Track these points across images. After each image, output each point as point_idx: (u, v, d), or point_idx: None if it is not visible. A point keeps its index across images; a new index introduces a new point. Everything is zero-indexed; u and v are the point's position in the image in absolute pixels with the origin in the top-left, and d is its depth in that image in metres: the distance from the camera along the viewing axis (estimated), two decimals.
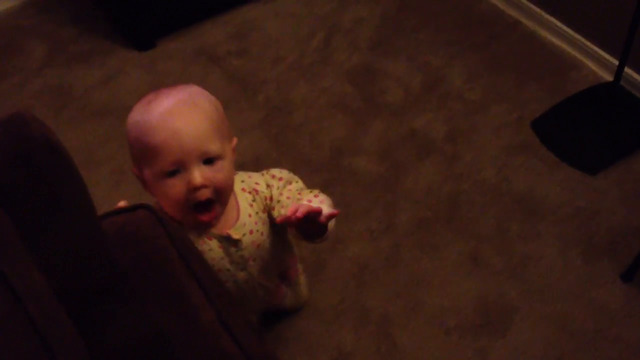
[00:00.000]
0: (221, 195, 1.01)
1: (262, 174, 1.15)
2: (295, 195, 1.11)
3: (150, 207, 0.76)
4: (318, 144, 1.76)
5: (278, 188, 1.12)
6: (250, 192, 1.10)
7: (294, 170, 1.67)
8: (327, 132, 1.79)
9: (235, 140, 1.08)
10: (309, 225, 1.00)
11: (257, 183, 1.11)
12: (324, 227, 1.04)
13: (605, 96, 1.82)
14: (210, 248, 1.06)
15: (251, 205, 1.10)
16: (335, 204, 1.60)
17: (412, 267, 1.51)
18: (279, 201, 1.11)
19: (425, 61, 1.98)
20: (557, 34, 1.98)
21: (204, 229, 1.05)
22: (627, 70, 1.76)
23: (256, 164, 1.70)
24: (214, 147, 0.96)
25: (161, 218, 0.73)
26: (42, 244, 0.58)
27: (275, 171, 1.16)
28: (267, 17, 2.12)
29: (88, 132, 1.78)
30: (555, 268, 1.50)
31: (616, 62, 1.75)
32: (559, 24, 1.97)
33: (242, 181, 1.12)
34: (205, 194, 0.97)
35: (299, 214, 0.94)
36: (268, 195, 1.11)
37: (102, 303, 0.63)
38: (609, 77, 1.85)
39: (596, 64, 1.90)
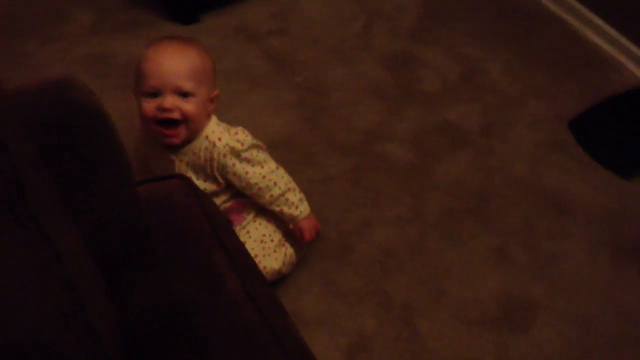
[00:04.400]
0: (189, 122, 1.23)
1: (230, 133, 1.31)
2: (258, 182, 1.33)
3: (186, 178, 0.77)
4: (351, 127, 1.76)
5: (238, 158, 1.30)
6: (210, 141, 1.28)
7: (325, 152, 1.69)
8: (361, 117, 1.79)
9: (216, 92, 1.30)
10: None
11: (219, 139, 1.29)
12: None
13: None
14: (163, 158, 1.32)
15: (205, 149, 1.29)
16: (365, 188, 1.62)
17: (438, 257, 1.52)
18: (239, 176, 1.31)
19: (465, 52, 1.96)
20: (600, 33, 1.95)
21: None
22: None
23: (289, 143, 1.72)
24: (187, 85, 1.20)
25: (195, 188, 0.74)
26: (80, 204, 0.60)
27: (241, 133, 1.31)
28: None
29: (130, 99, 1.81)
30: (582, 269, 1.49)
31: None
32: (602, 23, 1.94)
33: (213, 131, 1.29)
34: (172, 115, 1.21)
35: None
36: (222, 152, 1.28)
37: (131, 266, 0.65)
38: None
39: (638, 66, 1.86)
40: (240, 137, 1.30)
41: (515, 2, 2.12)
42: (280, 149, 1.70)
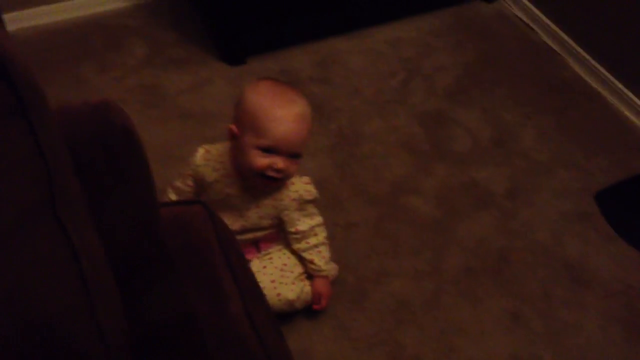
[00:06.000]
0: (285, 178, 1.33)
1: (302, 180, 1.41)
2: (304, 230, 1.42)
3: (205, 204, 0.83)
4: (380, 178, 1.81)
5: (298, 212, 1.40)
6: (286, 194, 1.38)
7: (351, 199, 1.74)
8: (391, 169, 1.84)
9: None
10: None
11: (292, 182, 1.38)
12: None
13: None
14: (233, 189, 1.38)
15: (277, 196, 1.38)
16: (387, 238, 1.66)
17: (452, 314, 1.53)
18: (292, 219, 1.40)
19: (499, 116, 2.01)
20: (636, 112, 1.98)
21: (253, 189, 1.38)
22: None
23: (318, 187, 1.76)
24: (300, 150, 1.30)
25: (213, 214, 0.80)
26: (104, 211, 0.67)
27: (311, 185, 1.41)
28: (352, 51, 2.20)
29: (171, 131, 1.90)
30: (595, 341, 1.49)
31: None
32: (639, 102, 1.97)
33: (293, 184, 1.38)
34: (278, 174, 1.29)
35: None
36: (291, 197, 1.38)
37: (144, 274, 0.70)
38: None
39: None
40: (310, 187, 1.40)
41: (556, 73, 2.16)
42: None
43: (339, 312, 1.52)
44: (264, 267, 1.43)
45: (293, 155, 1.29)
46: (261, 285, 1.36)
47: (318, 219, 1.44)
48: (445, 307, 1.54)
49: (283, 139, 1.25)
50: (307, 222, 1.41)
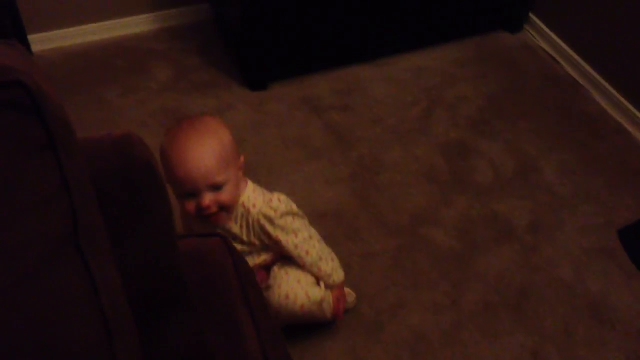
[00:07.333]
0: (226, 207, 1.29)
1: (265, 199, 1.34)
2: (291, 250, 1.37)
3: (225, 238, 0.83)
4: (399, 208, 1.80)
5: (272, 224, 1.34)
6: (245, 208, 1.33)
7: (370, 228, 1.73)
8: (410, 199, 1.83)
9: (242, 158, 1.32)
10: None
11: (253, 205, 1.33)
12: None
13: None
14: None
15: (241, 216, 1.34)
16: (405, 269, 1.64)
17: (469, 349, 1.51)
18: (269, 238, 1.35)
19: (522, 148, 1.99)
20: None
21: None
22: None
23: (336, 215, 1.76)
24: (219, 178, 1.23)
25: (232, 248, 0.79)
26: (123, 245, 0.66)
27: (275, 200, 1.34)
28: (375, 79, 2.20)
29: None
30: None
31: None
32: None
33: (248, 197, 1.33)
34: (211, 209, 1.26)
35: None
36: (255, 218, 1.33)
37: (162, 310, 0.69)
38: None
39: None
40: (274, 204, 1.33)
41: (581, 107, 2.15)
42: (327, 220, 1.75)
43: (355, 343, 1.50)
44: (286, 273, 1.39)
45: (216, 187, 1.24)
46: (289, 287, 1.37)
47: (303, 234, 1.36)
48: (463, 342, 1.52)
49: (188, 179, 1.21)
50: (291, 240, 1.35)
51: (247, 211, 1.32)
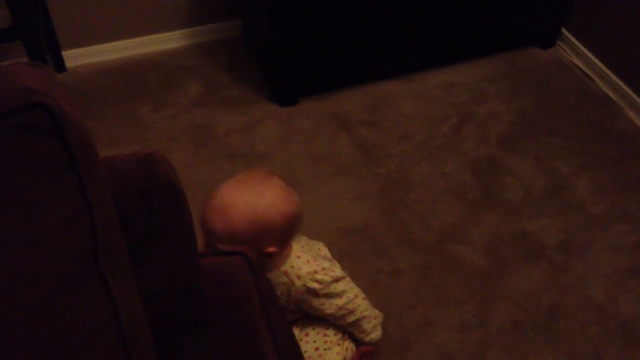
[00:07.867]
0: None
1: (310, 270, 1.29)
2: (334, 313, 1.34)
3: (247, 256, 0.83)
4: (427, 225, 1.79)
5: (316, 297, 1.30)
6: (288, 278, 1.28)
7: (397, 245, 1.72)
8: (438, 216, 1.81)
9: (272, 249, 1.22)
10: None
11: (298, 277, 1.28)
12: None
13: None
14: None
15: (283, 284, 1.29)
16: (432, 287, 1.62)
17: None
18: (315, 309, 1.33)
19: (553, 166, 1.96)
20: None
21: None
22: None
23: (364, 232, 1.76)
24: (221, 246, 1.17)
25: (254, 266, 0.80)
26: (144, 266, 0.67)
27: (320, 273, 1.29)
28: (404, 95, 2.20)
29: (219, 170, 1.93)
30: None
31: None
32: None
33: (292, 267, 1.28)
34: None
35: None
36: (300, 290, 1.29)
37: (182, 332, 0.70)
38: None
39: None
40: (319, 277, 1.28)
41: (613, 124, 2.11)
42: (354, 237, 1.74)
43: None
44: (307, 334, 1.39)
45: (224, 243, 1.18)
46: (306, 354, 1.33)
47: (348, 296, 1.32)
48: None
49: (203, 226, 1.19)
50: (335, 303, 1.31)
51: (291, 282, 1.28)
